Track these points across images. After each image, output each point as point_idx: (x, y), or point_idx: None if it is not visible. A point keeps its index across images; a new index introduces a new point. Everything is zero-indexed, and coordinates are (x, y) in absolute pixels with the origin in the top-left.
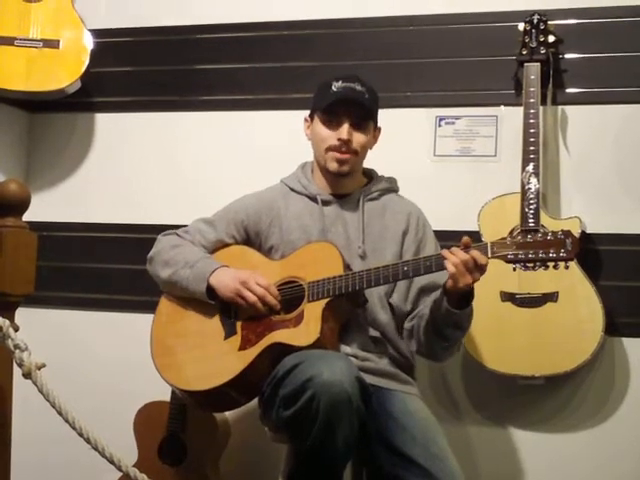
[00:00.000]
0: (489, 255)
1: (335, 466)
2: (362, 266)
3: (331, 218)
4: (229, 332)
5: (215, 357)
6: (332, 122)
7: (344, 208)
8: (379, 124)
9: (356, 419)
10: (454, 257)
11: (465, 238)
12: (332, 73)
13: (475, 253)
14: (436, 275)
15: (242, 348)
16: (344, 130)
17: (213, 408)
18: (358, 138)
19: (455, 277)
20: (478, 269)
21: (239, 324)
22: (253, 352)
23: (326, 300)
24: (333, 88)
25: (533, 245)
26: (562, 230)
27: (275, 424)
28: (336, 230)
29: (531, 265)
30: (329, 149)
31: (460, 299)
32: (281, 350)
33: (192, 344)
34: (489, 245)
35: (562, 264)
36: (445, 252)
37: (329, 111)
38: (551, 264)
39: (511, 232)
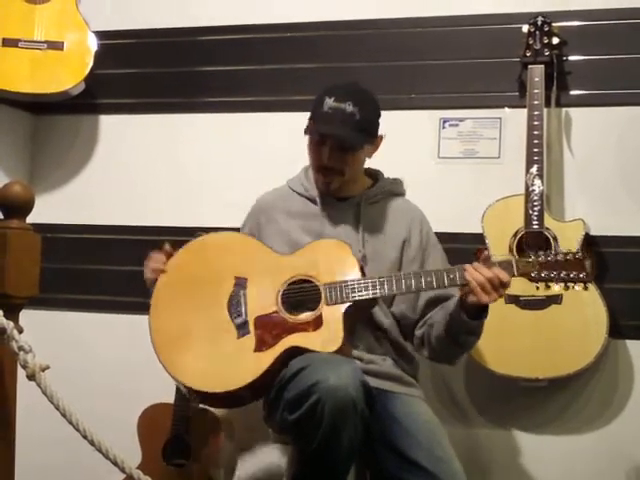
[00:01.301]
0: (515, 274)
1: (338, 469)
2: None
3: (331, 220)
4: (242, 331)
5: (230, 357)
6: (319, 143)
7: (344, 211)
8: (383, 129)
9: (360, 423)
10: (478, 275)
11: (485, 253)
12: (336, 75)
13: (500, 272)
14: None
15: (258, 349)
16: (324, 157)
17: (220, 405)
18: (341, 163)
19: (479, 294)
20: (502, 287)
21: (252, 322)
22: (270, 355)
23: (346, 305)
24: (324, 107)
25: (555, 266)
26: (581, 251)
27: (279, 426)
28: (336, 233)
29: (552, 284)
30: (317, 169)
31: (478, 310)
32: (298, 354)
33: (202, 340)
34: (514, 263)
35: (581, 285)
36: (469, 269)
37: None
38: (571, 285)
39: (517, 236)
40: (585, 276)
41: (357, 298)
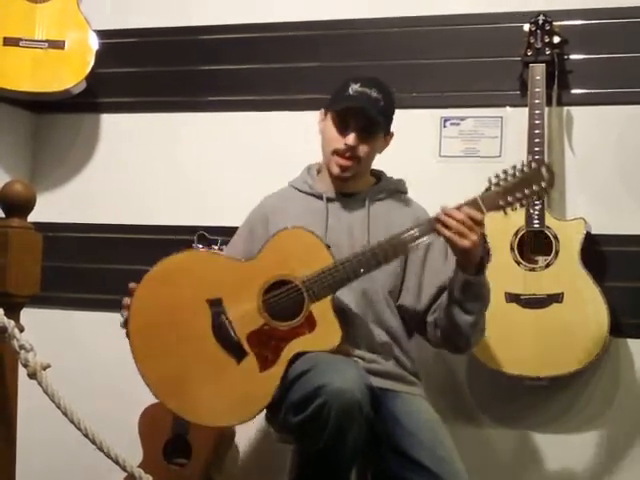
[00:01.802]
0: (484, 210)
1: (342, 470)
2: None
3: (336, 216)
4: (238, 354)
5: (238, 386)
6: (342, 125)
7: (349, 207)
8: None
9: (365, 425)
10: (450, 221)
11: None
12: (337, 74)
13: (470, 211)
14: (443, 270)
15: (263, 369)
16: (351, 137)
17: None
18: (364, 146)
19: (457, 241)
20: (477, 225)
21: (245, 342)
22: (278, 370)
23: (331, 296)
24: (350, 91)
25: (517, 186)
26: (533, 160)
27: (281, 426)
28: (340, 228)
29: (525, 204)
30: (335, 152)
31: (474, 271)
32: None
33: (204, 379)
34: (479, 200)
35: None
36: (440, 216)
37: (340, 114)
38: (540, 196)
39: (518, 235)
40: (545, 183)
41: (340, 285)
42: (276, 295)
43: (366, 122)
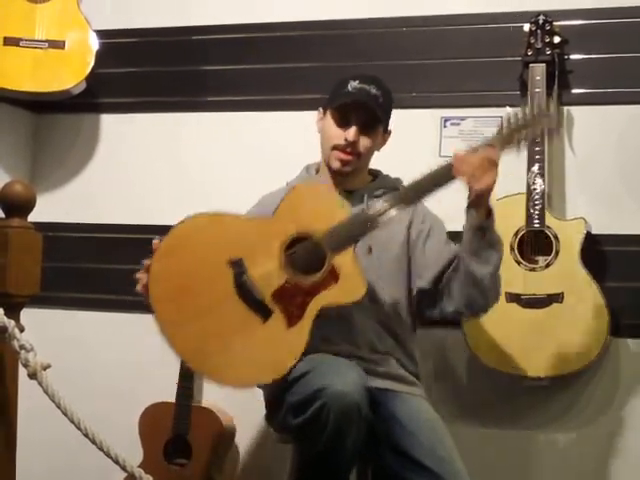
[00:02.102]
0: (499, 149)
1: (341, 471)
2: (368, 261)
3: None
4: (264, 313)
5: (266, 345)
6: (342, 121)
7: (350, 202)
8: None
9: (364, 427)
10: (467, 166)
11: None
12: (337, 74)
13: (485, 152)
14: (452, 249)
15: (291, 325)
16: (351, 132)
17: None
18: (365, 141)
19: (474, 183)
20: (493, 165)
21: (269, 300)
22: (306, 325)
23: (353, 247)
24: (349, 87)
25: (527, 124)
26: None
27: (281, 427)
28: None
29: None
30: (335, 148)
31: (484, 215)
32: (329, 312)
33: (231, 340)
34: (494, 139)
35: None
36: (456, 162)
37: (340, 110)
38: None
39: (519, 235)
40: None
41: (361, 236)
42: (297, 251)
43: (366, 117)
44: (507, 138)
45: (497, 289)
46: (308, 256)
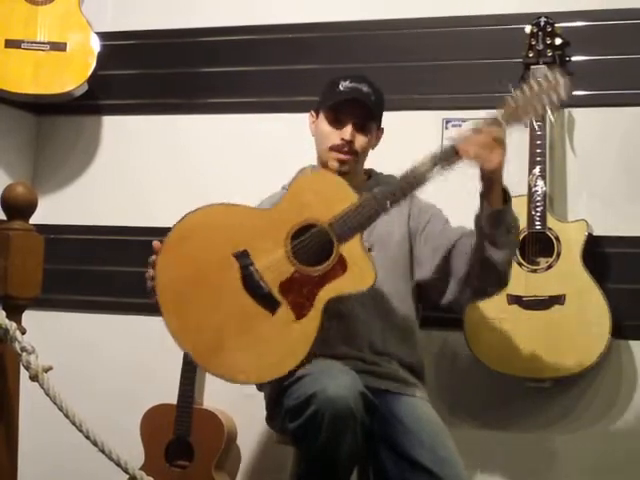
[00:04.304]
0: (504, 124)
1: (340, 475)
2: None
3: None
4: (272, 305)
5: (275, 337)
6: (336, 121)
7: None
8: (383, 125)
9: (360, 431)
10: (470, 145)
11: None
12: (339, 75)
13: (489, 129)
14: (454, 230)
15: (300, 316)
16: (347, 131)
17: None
18: (360, 139)
19: (478, 164)
20: (499, 143)
21: (277, 292)
22: (316, 315)
23: (360, 235)
24: (340, 87)
25: (534, 97)
26: (550, 70)
27: (281, 429)
28: None
29: (546, 111)
30: (332, 148)
31: (500, 200)
32: (339, 302)
33: (238, 334)
34: (499, 115)
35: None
36: (460, 141)
37: (334, 110)
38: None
39: (520, 237)
40: (564, 89)
41: (367, 223)
42: (303, 240)
43: (361, 115)
44: (513, 113)
45: (509, 272)
46: (315, 245)
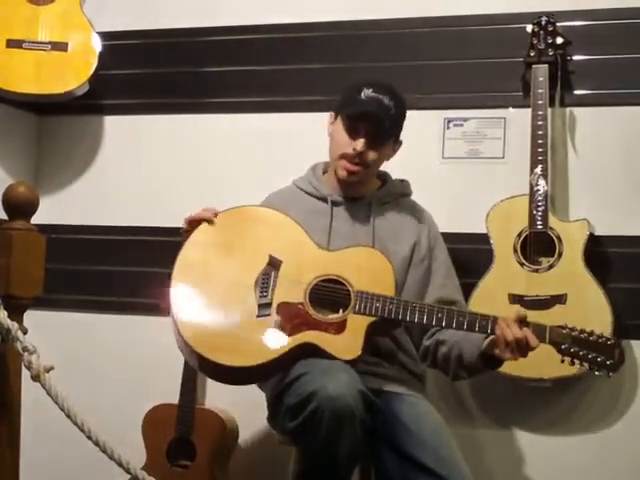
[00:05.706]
0: (546, 341)
1: (340, 474)
2: None
3: (340, 219)
4: (263, 311)
5: (245, 334)
6: (352, 130)
7: (355, 210)
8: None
9: (360, 430)
10: (509, 332)
11: (521, 313)
12: (342, 76)
13: (530, 336)
14: (451, 290)
15: (281, 330)
16: (360, 143)
17: (217, 377)
18: (372, 154)
19: (502, 350)
20: (528, 349)
21: (275, 305)
22: (290, 343)
23: (373, 318)
24: (362, 95)
25: (587, 344)
26: (614, 338)
27: (281, 428)
28: (345, 231)
29: (577, 361)
30: (343, 156)
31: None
32: (313, 352)
33: (219, 307)
34: (547, 330)
35: (605, 372)
36: (501, 323)
37: (351, 119)
38: (595, 368)
39: (522, 236)
40: (612, 364)
41: (385, 315)
42: (328, 287)
43: (377, 129)
44: (559, 337)
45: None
46: (333, 297)
